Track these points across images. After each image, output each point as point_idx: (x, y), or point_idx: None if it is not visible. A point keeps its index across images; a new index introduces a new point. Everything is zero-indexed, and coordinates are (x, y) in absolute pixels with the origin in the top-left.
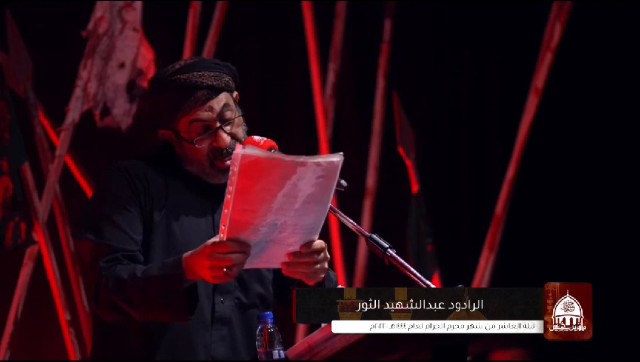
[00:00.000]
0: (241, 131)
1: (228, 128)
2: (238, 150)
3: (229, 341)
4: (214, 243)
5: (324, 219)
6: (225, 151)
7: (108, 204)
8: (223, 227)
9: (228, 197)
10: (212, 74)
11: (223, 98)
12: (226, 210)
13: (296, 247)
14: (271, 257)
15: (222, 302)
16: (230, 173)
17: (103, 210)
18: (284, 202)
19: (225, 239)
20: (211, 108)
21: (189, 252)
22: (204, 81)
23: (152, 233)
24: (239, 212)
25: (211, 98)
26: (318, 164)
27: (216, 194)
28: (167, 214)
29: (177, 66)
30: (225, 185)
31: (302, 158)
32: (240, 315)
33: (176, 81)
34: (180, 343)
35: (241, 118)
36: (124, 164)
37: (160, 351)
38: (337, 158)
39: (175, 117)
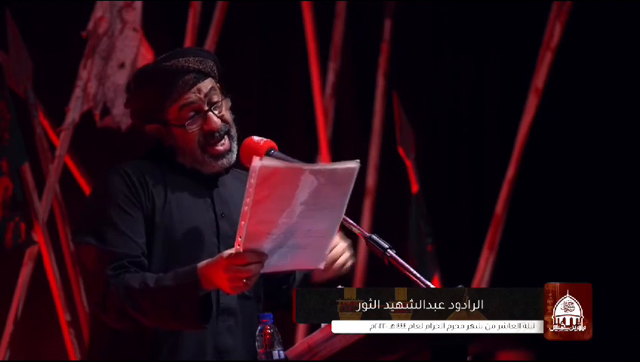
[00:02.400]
0: (228, 115)
1: (217, 112)
2: (256, 162)
3: (234, 331)
4: (231, 255)
5: (339, 223)
6: (216, 134)
7: (109, 207)
8: (240, 239)
9: (245, 208)
10: (197, 59)
11: (209, 82)
12: (243, 222)
13: (308, 251)
14: (283, 261)
15: (226, 293)
16: (247, 184)
17: (104, 214)
18: (299, 210)
19: (242, 251)
20: (199, 91)
21: (204, 262)
22: (191, 65)
23: (155, 233)
24: (256, 223)
25: (199, 81)
26: (334, 171)
27: (214, 185)
28: (169, 213)
29: (160, 57)
30: (219, 173)
31: (318, 166)
32: (241, 306)
33: (163, 68)
34: (187, 336)
35: (228, 101)
36: (123, 166)
37: (167, 345)
38: (354, 165)
39: (164, 105)
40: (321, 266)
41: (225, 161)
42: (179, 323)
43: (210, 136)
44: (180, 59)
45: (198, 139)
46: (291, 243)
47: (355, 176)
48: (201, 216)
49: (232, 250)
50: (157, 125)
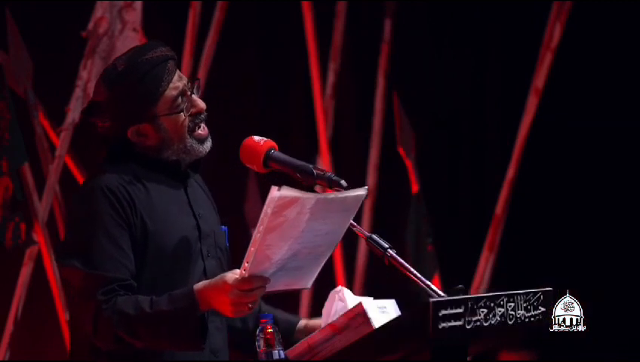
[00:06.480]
0: None
1: (197, 94)
2: (274, 193)
3: (222, 330)
4: (237, 280)
5: (337, 245)
6: (202, 116)
7: (95, 230)
8: (247, 264)
9: (257, 236)
10: (164, 48)
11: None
12: (252, 249)
13: (302, 271)
14: (276, 282)
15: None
16: (262, 213)
17: (90, 237)
18: (306, 236)
19: (247, 276)
20: (181, 77)
21: (200, 284)
22: (166, 53)
23: (148, 241)
24: (264, 248)
25: (176, 67)
26: (344, 200)
27: (185, 183)
28: (160, 221)
29: (127, 57)
30: (187, 172)
31: (331, 195)
32: None
33: (142, 62)
34: None
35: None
36: (103, 182)
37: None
38: (363, 192)
39: (155, 98)
40: (308, 286)
41: (207, 145)
42: (176, 346)
43: (198, 118)
44: (155, 50)
45: (188, 124)
46: (291, 265)
47: (361, 203)
48: (185, 220)
49: (235, 274)
50: (141, 125)
